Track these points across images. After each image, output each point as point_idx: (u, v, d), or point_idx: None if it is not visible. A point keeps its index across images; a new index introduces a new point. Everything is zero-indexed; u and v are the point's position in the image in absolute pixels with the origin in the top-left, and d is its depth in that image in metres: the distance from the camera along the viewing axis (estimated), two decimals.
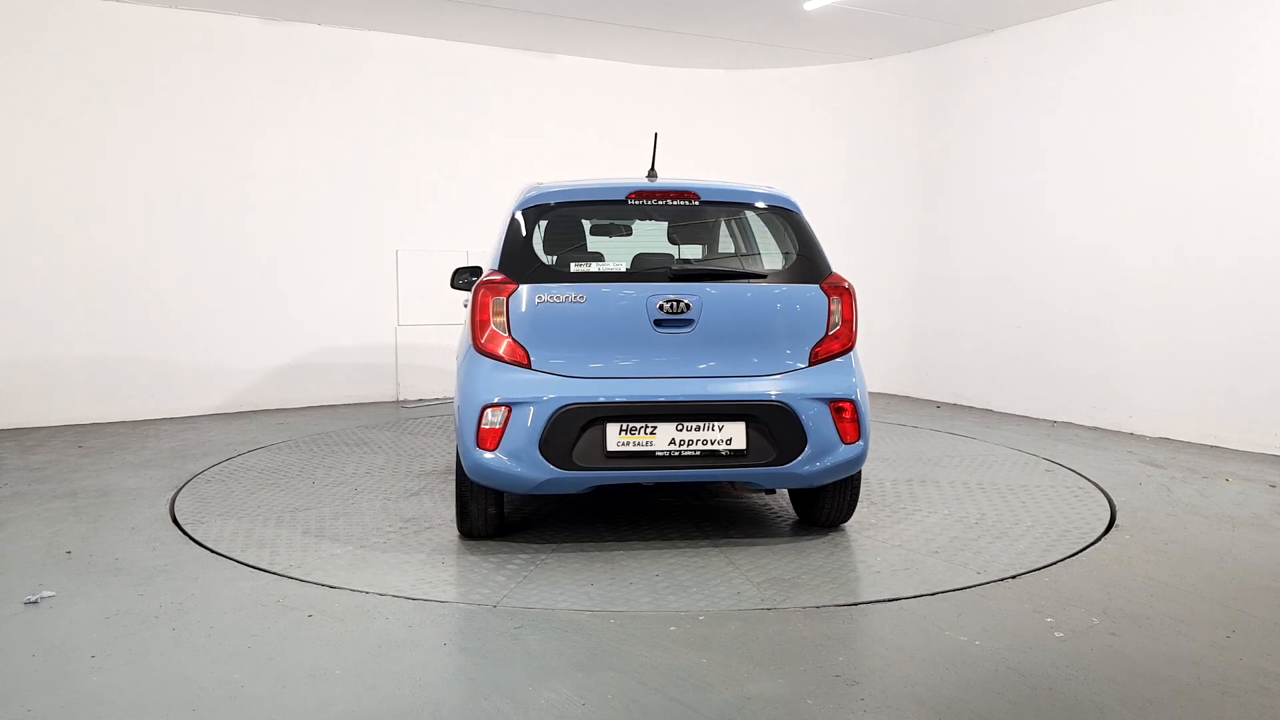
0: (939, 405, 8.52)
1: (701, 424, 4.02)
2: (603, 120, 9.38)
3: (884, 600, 3.68)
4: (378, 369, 8.59)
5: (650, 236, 5.27)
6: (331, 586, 3.80)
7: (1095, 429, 7.29)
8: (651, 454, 4.00)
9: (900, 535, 4.53)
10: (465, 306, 5.64)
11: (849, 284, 4.32)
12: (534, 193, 4.37)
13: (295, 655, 3.16)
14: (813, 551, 4.30)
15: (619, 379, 4.05)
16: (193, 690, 2.90)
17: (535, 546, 4.32)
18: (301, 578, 3.90)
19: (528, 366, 4.02)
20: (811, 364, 4.17)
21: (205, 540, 4.41)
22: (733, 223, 4.74)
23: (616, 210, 4.67)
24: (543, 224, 4.32)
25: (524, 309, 4.05)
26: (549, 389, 3.97)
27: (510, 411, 3.93)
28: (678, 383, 4.07)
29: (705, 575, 3.97)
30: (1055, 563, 4.11)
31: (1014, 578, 3.93)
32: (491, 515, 4.29)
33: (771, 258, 4.52)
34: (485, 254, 6.46)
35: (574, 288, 4.09)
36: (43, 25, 7.17)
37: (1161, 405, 6.94)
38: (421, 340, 8.61)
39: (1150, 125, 6.95)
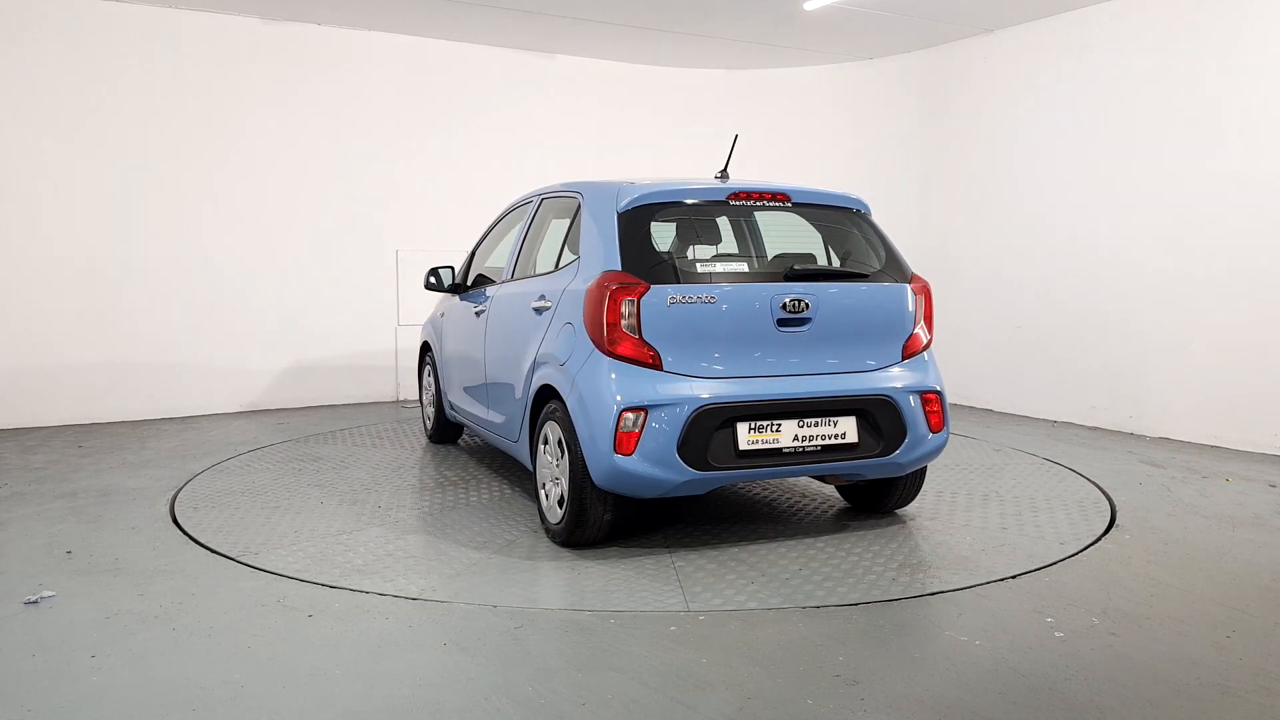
0: None
1: (819, 420, 4.15)
2: (603, 120, 9.38)
3: (884, 600, 3.68)
4: (378, 369, 8.59)
5: (740, 236, 5.26)
6: (331, 586, 3.80)
7: (1095, 429, 7.30)
8: (779, 451, 4.08)
9: (960, 520, 4.80)
10: (480, 313, 5.49)
11: (928, 283, 4.59)
12: (637, 192, 4.30)
13: (295, 655, 3.16)
14: (906, 538, 4.49)
15: (748, 378, 4.09)
16: (193, 690, 2.90)
17: (644, 550, 4.27)
18: (303, 578, 3.90)
19: (658, 368, 4.00)
20: (903, 358, 4.40)
21: (205, 540, 4.41)
22: (820, 224, 4.75)
23: (717, 210, 4.68)
24: (652, 224, 4.27)
25: (655, 309, 4.01)
26: (685, 390, 3.97)
27: (647, 414, 3.91)
28: (799, 380, 4.17)
29: (841, 566, 4.07)
30: (1055, 563, 4.12)
31: (1014, 578, 3.93)
32: (606, 522, 4.22)
33: (861, 258, 4.58)
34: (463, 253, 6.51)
35: (705, 288, 4.09)
36: (41, 25, 7.17)
37: (1161, 405, 6.94)
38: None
39: (1150, 125, 6.95)
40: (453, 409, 6.17)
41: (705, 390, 3.99)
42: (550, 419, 4.37)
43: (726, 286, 4.14)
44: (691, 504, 5.04)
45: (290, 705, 2.81)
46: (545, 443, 4.45)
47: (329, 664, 3.08)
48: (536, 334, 4.58)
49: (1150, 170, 6.97)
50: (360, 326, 8.47)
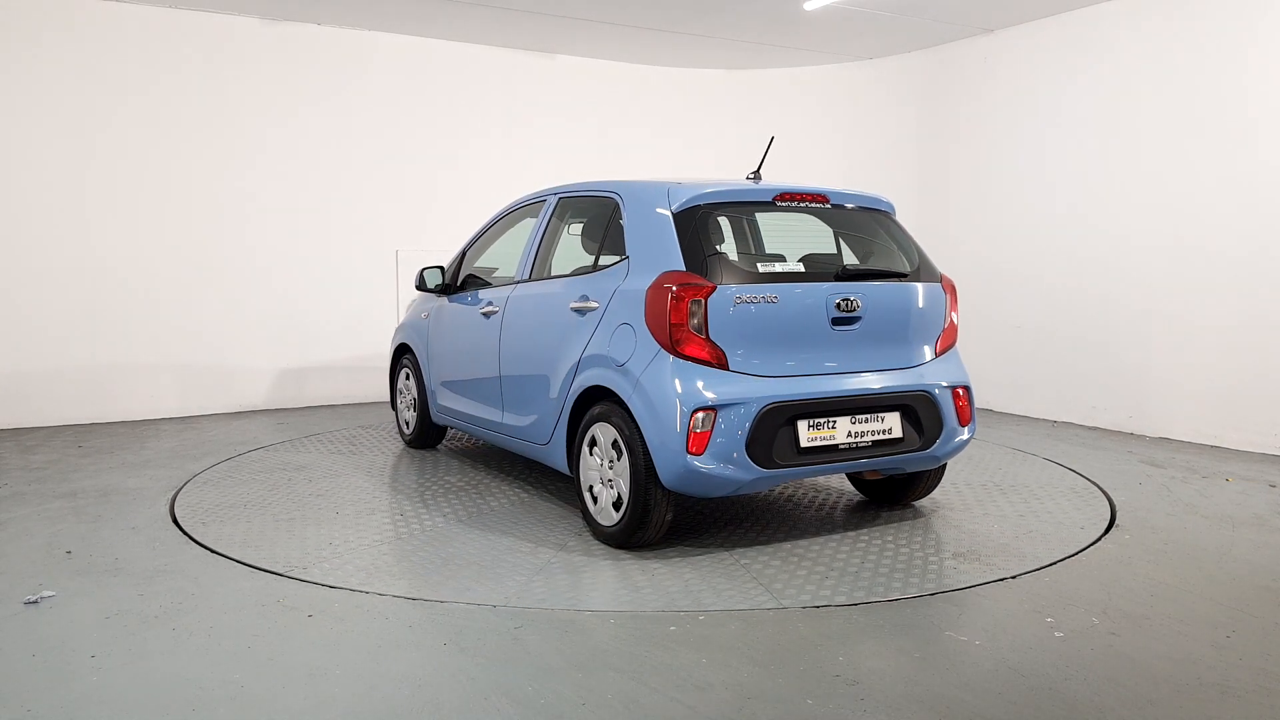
0: None
1: (869, 415, 4.28)
2: (603, 120, 9.38)
3: (884, 601, 3.68)
4: (378, 369, 8.57)
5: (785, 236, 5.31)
6: (331, 586, 3.80)
7: (1095, 429, 7.30)
8: (835, 448, 4.18)
9: (978, 512, 4.96)
10: (490, 314, 5.32)
11: (954, 282, 4.79)
12: (690, 193, 4.31)
13: (295, 655, 3.16)
14: (941, 529, 4.65)
15: (807, 376, 4.18)
16: (193, 690, 2.90)
17: (701, 550, 4.28)
18: (302, 578, 3.90)
19: (724, 368, 4.03)
20: (936, 355, 4.56)
21: (205, 540, 4.41)
22: (851, 224, 4.83)
23: (763, 210, 4.73)
24: (706, 224, 4.29)
25: (722, 310, 4.03)
26: (751, 389, 4.01)
27: (717, 414, 3.94)
28: (851, 378, 4.28)
29: (898, 557, 4.19)
30: (1055, 563, 4.12)
31: (1014, 578, 3.93)
32: (667, 523, 4.24)
33: (892, 257, 4.66)
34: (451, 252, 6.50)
35: (767, 288, 4.13)
36: (42, 26, 7.17)
37: (1161, 405, 6.94)
38: None
39: (1150, 125, 6.95)
40: (443, 413, 6.02)
41: (770, 389, 4.05)
42: (601, 421, 4.33)
43: (786, 286, 4.20)
44: (723, 501, 5.05)
45: (290, 705, 2.81)
46: (593, 445, 4.41)
47: (329, 664, 3.08)
48: (579, 335, 4.52)
49: (1150, 170, 6.96)
50: (360, 326, 8.47)
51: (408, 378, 6.56)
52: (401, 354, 6.70)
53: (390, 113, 8.47)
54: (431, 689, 2.92)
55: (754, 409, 3.98)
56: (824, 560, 4.15)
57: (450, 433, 6.71)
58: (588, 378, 4.41)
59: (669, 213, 4.26)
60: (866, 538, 4.48)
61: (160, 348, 7.70)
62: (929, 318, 4.55)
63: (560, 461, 4.74)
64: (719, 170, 9.41)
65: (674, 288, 4.02)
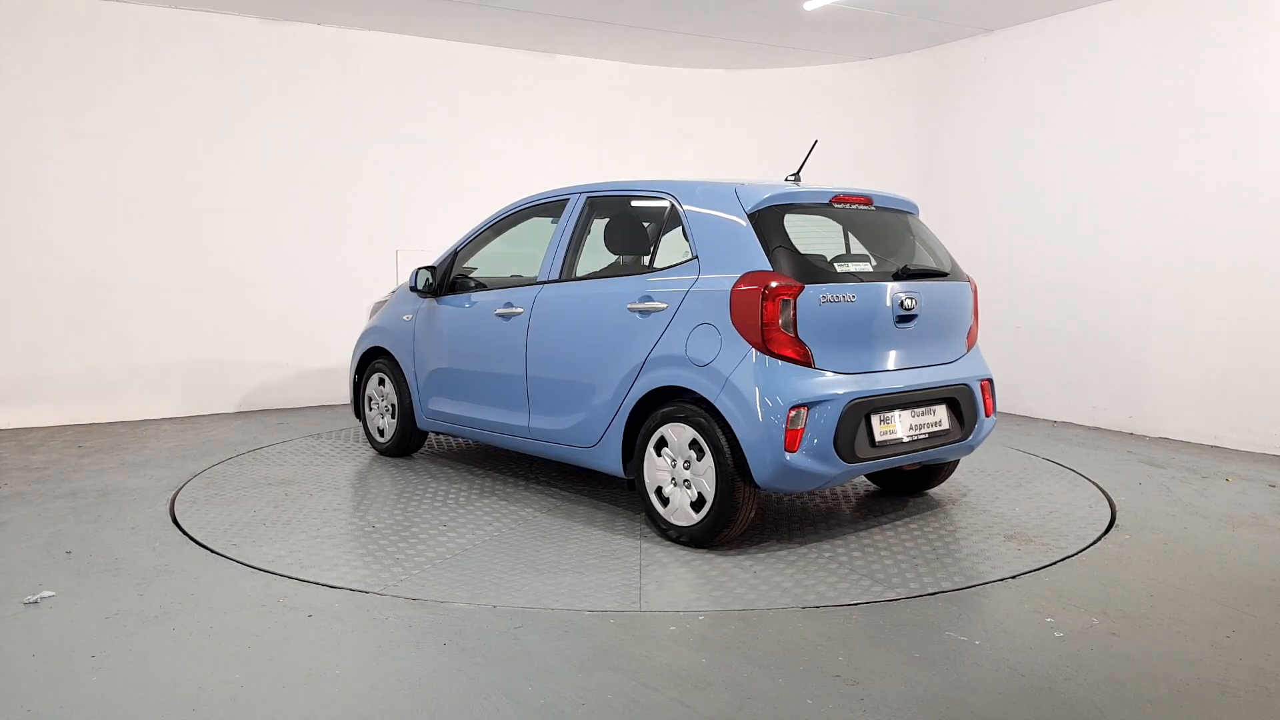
0: None
1: (924, 409, 4.49)
2: (602, 120, 9.38)
3: (884, 601, 3.68)
4: None
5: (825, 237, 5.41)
6: (332, 586, 3.80)
7: (1095, 429, 7.30)
8: (900, 441, 4.35)
9: (988, 499, 5.23)
10: (509, 315, 5.15)
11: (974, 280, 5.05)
12: (763, 194, 4.37)
13: (295, 655, 3.16)
14: (970, 517, 4.86)
15: (878, 372, 4.35)
16: (193, 690, 2.90)
17: (777, 546, 4.33)
18: (302, 577, 3.90)
19: (811, 365, 4.12)
20: (967, 349, 4.82)
21: (205, 540, 4.41)
22: (882, 224, 4.92)
23: (822, 212, 4.81)
24: (779, 225, 4.33)
25: (809, 308, 4.13)
26: (835, 386, 4.14)
27: (808, 411, 4.03)
28: (910, 373, 4.47)
29: (958, 543, 4.41)
30: (1055, 563, 4.12)
31: (1014, 578, 3.93)
32: (750, 520, 4.31)
33: (933, 258, 4.81)
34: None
35: (846, 287, 4.27)
36: (41, 26, 7.17)
37: (1160, 405, 6.94)
38: None
39: (1150, 125, 6.95)
40: (436, 419, 5.77)
41: (851, 385, 4.18)
42: (672, 421, 4.33)
43: (861, 285, 4.33)
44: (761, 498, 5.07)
45: (290, 705, 2.81)
46: (663, 445, 4.38)
47: (329, 664, 3.09)
48: (642, 335, 4.47)
49: (1150, 171, 6.96)
50: (360, 326, 8.44)
51: (382, 383, 6.20)
52: (371, 359, 6.36)
53: (390, 113, 8.47)
54: (431, 689, 2.92)
55: (840, 405, 4.09)
56: (895, 549, 4.29)
57: (430, 438, 6.62)
58: (656, 378, 4.39)
59: (744, 213, 4.32)
60: (915, 527, 4.64)
61: (160, 348, 7.70)
62: (963, 315, 4.79)
63: (609, 463, 4.68)
64: (719, 170, 9.41)
65: (765, 287, 4.08)
